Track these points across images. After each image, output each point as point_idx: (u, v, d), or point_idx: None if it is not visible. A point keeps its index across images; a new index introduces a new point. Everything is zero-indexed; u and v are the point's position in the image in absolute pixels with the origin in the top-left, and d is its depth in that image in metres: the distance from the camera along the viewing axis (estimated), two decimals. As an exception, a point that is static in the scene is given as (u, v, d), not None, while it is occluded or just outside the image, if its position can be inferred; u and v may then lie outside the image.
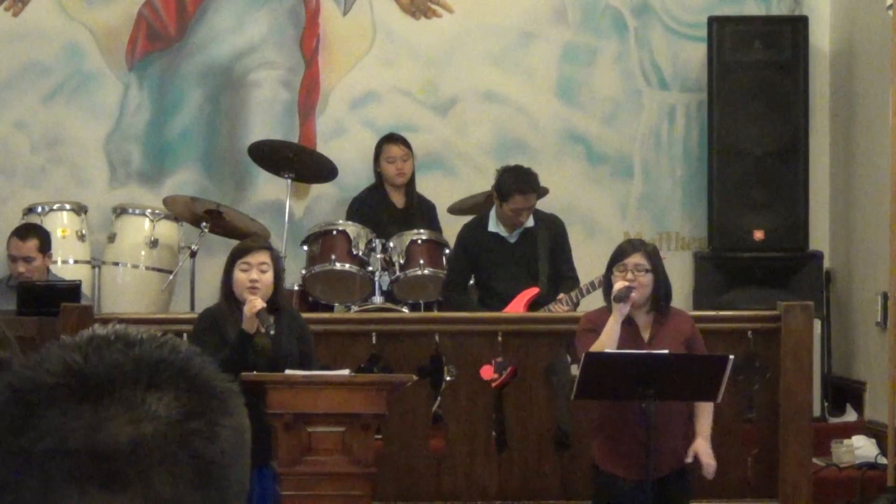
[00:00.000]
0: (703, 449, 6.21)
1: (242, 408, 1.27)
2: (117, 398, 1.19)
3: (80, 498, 1.17)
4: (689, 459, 6.21)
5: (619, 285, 6.13)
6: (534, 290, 7.90)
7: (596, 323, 6.25)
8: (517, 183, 7.85)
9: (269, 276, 6.35)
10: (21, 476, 1.18)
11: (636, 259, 6.21)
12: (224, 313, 6.39)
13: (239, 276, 6.35)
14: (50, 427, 1.18)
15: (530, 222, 7.99)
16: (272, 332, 6.21)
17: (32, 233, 8.18)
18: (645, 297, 6.20)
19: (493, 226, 8.03)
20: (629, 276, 6.16)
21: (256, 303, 6.22)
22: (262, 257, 6.38)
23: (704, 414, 6.30)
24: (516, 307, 7.87)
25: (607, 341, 6.11)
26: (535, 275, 7.96)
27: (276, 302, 6.41)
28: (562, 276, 7.95)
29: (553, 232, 8.06)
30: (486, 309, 7.94)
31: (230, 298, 6.38)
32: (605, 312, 6.26)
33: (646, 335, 6.25)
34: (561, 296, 7.77)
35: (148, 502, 1.18)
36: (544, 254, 7.97)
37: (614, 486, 6.18)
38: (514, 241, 8.02)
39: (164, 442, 1.19)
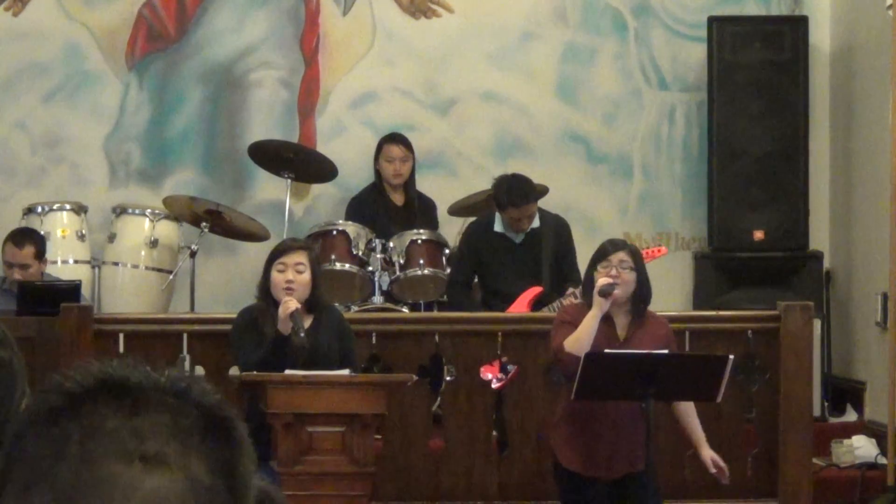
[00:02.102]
0: (716, 455, 6.18)
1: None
2: (153, 398, 1.29)
3: (122, 471, 1.24)
4: (713, 470, 6.17)
5: (603, 280, 6.12)
6: (537, 289, 7.89)
7: (574, 316, 6.23)
8: (509, 195, 7.87)
9: (305, 277, 6.35)
10: (60, 455, 1.25)
11: (620, 256, 6.21)
12: (262, 312, 6.39)
13: (275, 276, 6.35)
14: (89, 411, 1.27)
15: (536, 223, 8.00)
16: (302, 335, 6.21)
17: (28, 240, 8.07)
18: (627, 294, 6.18)
19: (499, 226, 8.04)
20: (613, 272, 6.16)
21: (290, 304, 6.22)
22: (299, 257, 6.37)
23: (696, 421, 6.26)
24: (520, 307, 7.86)
25: (584, 334, 6.09)
26: (538, 275, 7.96)
27: (315, 301, 6.41)
28: (565, 279, 7.94)
29: (558, 234, 8.06)
30: (489, 310, 7.94)
31: (268, 298, 6.38)
32: (584, 308, 6.25)
33: (622, 334, 6.24)
34: (570, 290, 7.67)
35: (188, 482, 1.26)
36: (548, 255, 7.97)
37: (577, 484, 6.18)
38: (519, 242, 8.02)
39: (204, 431, 1.29)
